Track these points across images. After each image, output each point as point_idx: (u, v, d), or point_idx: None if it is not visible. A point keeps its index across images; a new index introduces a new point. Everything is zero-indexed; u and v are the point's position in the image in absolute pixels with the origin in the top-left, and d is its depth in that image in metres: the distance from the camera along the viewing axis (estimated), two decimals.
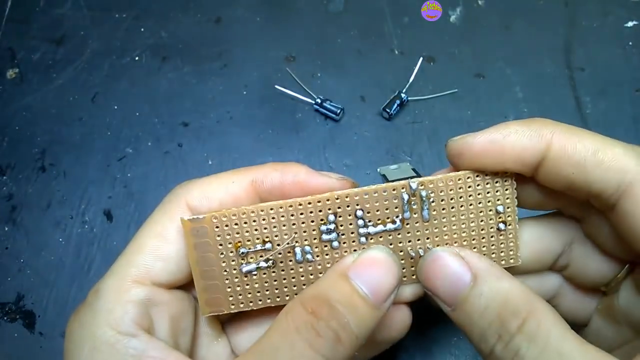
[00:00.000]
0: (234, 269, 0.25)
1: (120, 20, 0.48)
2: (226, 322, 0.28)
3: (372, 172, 0.40)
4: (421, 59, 0.44)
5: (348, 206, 0.25)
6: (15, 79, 0.45)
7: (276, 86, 0.43)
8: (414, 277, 0.26)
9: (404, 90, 0.43)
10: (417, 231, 0.25)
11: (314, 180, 0.24)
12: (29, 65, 0.46)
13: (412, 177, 0.25)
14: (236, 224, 0.24)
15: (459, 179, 0.25)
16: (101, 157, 0.42)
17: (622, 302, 0.25)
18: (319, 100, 0.42)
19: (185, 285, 0.26)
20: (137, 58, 0.46)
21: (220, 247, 0.25)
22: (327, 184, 0.25)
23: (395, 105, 0.42)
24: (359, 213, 0.25)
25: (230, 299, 0.25)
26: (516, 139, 0.23)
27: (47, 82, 0.45)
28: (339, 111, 0.42)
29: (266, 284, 0.25)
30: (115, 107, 0.44)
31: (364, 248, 0.25)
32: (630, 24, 0.46)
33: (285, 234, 0.25)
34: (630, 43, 0.45)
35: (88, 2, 0.49)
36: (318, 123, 0.43)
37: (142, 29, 0.47)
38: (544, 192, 0.25)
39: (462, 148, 0.24)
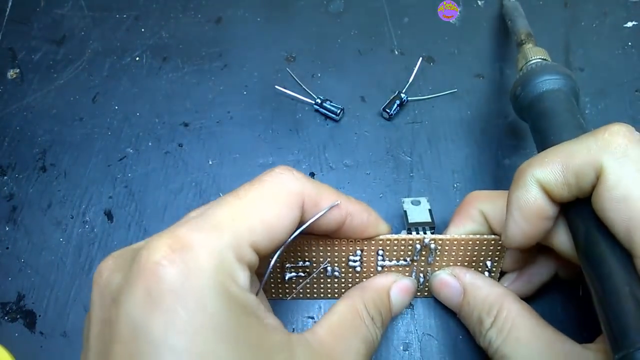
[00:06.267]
0: (279, 275, 0.32)
1: (120, 21, 0.48)
2: None
3: (372, 172, 0.40)
4: (421, 59, 0.44)
5: (372, 247, 0.31)
6: (16, 79, 0.45)
7: (276, 86, 0.43)
8: (425, 293, 0.34)
9: (403, 91, 0.43)
10: (421, 267, 0.33)
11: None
12: (30, 65, 0.46)
13: (426, 223, 0.32)
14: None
15: (463, 242, 0.31)
16: (102, 157, 0.42)
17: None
18: (319, 101, 0.42)
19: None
20: (137, 58, 0.46)
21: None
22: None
23: (395, 105, 0.42)
24: (380, 252, 0.31)
25: (272, 291, 0.33)
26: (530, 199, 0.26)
27: (48, 82, 0.45)
28: (339, 111, 0.42)
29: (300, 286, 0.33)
30: (116, 107, 0.44)
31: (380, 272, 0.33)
32: (629, 24, 0.46)
33: (322, 259, 0.31)
34: (630, 43, 0.45)
35: (88, 2, 0.49)
36: (318, 123, 0.43)
37: (143, 29, 0.48)
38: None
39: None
